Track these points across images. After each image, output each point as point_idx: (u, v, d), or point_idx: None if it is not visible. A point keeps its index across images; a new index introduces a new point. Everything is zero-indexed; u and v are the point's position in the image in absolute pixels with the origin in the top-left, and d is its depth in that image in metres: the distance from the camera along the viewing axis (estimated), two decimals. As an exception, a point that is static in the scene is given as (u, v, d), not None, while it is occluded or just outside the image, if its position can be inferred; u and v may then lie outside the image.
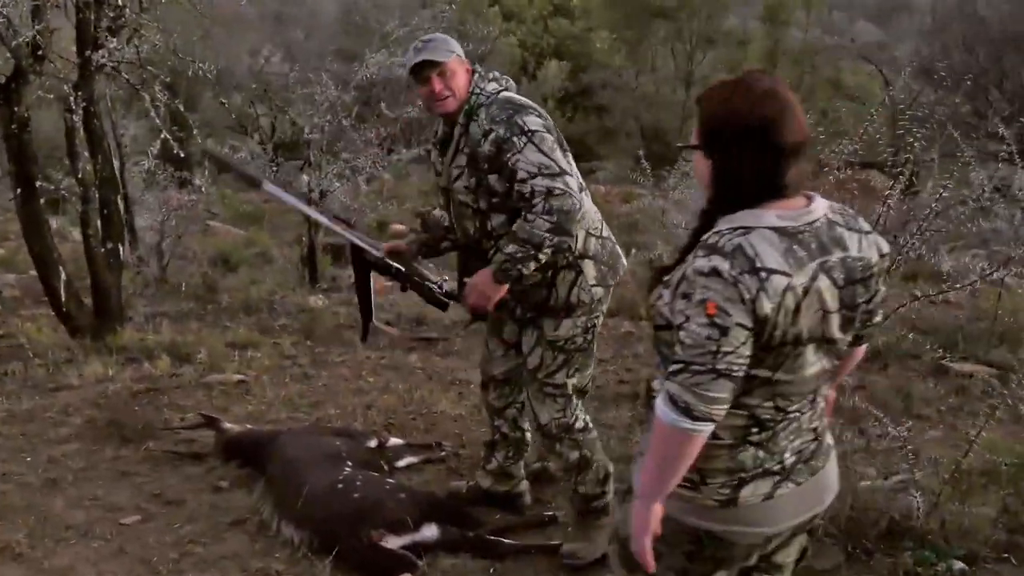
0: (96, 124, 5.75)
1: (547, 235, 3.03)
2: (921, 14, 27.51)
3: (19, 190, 5.48)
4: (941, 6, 20.99)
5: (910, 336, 5.10)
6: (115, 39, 5.49)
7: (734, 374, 1.83)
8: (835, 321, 1.93)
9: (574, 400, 3.39)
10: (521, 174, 3.05)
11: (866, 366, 5.53)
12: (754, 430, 1.98)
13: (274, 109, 17.91)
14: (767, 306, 1.81)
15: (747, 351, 1.83)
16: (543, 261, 3.12)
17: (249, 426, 4.51)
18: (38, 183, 5.50)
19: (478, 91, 3.23)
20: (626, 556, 2.10)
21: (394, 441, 4.44)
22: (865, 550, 3.45)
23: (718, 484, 2.00)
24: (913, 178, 3.60)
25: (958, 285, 3.60)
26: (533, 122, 3.10)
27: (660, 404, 1.88)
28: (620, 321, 6.86)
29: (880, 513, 3.52)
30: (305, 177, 7.61)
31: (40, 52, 5.38)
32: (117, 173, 6.16)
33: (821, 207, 1.94)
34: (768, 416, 1.97)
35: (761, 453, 2.00)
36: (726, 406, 1.86)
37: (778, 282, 1.82)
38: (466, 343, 6.31)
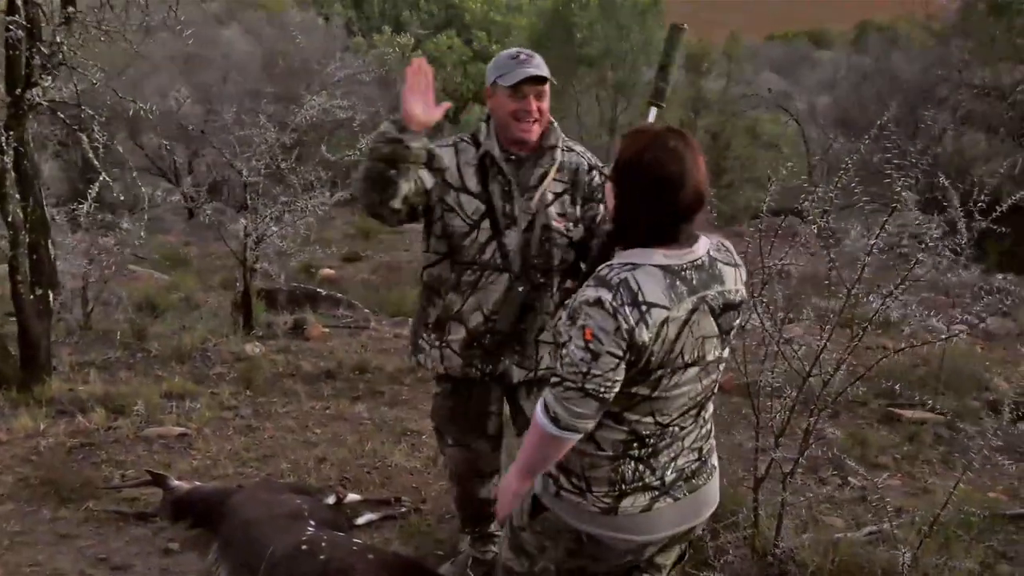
0: (26, 165, 5.48)
1: None
2: (822, 66, 28.55)
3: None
4: (856, 61, 21.67)
5: (874, 383, 5.10)
6: (50, 77, 5.26)
7: (601, 395, 2.07)
8: (713, 344, 2.19)
9: None
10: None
11: (818, 415, 5.53)
12: (635, 445, 2.20)
13: (189, 151, 17.65)
14: (645, 335, 2.05)
15: (617, 376, 2.07)
16: None
17: (197, 483, 4.29)
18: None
19: (554, 122, 3.14)
20: (513, 539, 2.43)
21: (352, 497, 4.26)
22: (850, 605, 3.40)
23: (601, 493, 2.23)
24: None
25: (942, 337, 3.61)
26: None
27: (538, 408, 2.15)
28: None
29: (862, 568, 3.47)
30: (243, 221, 7.38)
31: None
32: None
33: (703, 246, 2.18)
34: (648, 432, 2.19)
35: (641, 467, 2.22)
36: (591, 421, 2.11)
37: (658, 314, 2.06)
38: (412, 392, 6.15)
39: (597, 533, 2.26)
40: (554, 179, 3.12)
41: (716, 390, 2.30)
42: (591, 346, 2.04)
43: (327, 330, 7.83)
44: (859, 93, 17.10)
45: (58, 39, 5.05)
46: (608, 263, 2.14)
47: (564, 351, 2.09)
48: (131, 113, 5.52)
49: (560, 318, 2.16)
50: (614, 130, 18.25)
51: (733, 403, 6.01)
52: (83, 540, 3.97)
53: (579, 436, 2.13)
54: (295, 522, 3.63)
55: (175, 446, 5.00)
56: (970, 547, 3.63)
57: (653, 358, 2.08)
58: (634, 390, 2.12)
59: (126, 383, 6.10)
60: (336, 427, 5.43)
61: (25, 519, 4.13)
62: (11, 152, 5.17)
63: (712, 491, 2.37)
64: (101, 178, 5.30)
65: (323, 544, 3.42)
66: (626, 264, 2.11)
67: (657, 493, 2.24)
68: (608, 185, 2.22)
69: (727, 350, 2.26)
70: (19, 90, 5.33)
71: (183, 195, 8.22)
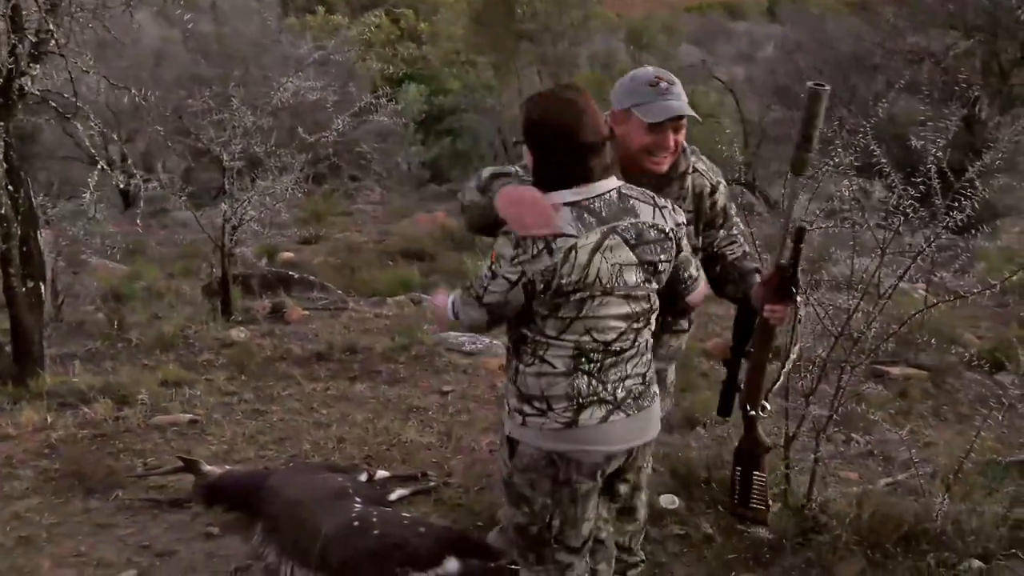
0: (13, 156, 5.38)
1: None
2: (738, 37, 29.05)
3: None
4: (779, 30, 22.08)
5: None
6: (38, 66, 5.16)
7: (493, 310, 2.46)
8: (634, 273, 2.45)
9: None
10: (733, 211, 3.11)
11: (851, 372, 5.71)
12: (583, 360, 2.48)
13: (121, 138, 17.27)
14: (549, 260, 2.35)
15: (511, 298, 2.41)
16: None
17: (228, 467, 4.29)
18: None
19: (686, 147, 2.92)
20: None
21: (381, 474, 4.33)
22: (884, 554, 3.55)
23: (561, 408, 2.48)
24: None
25: (975, 291, 3.73)
26: None
27: (449, 297, 2.61)
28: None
29: (892, 518, 3.63)
30: (224, 207, 7.31)
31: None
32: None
33: (612, 183, 2.45)
34: (591, 348, 2.47)
35: (594, 382, 2.49)
36: (480, 323, 2.52)
37: (563, 242, 2.35)
38: (409, 370, 6.19)
39: (563, 449, 2.51)
40: (682, 210, 2.76)
41: (653, 319, 2.57)
42: (493, 267, 2.41)
43: (307, 312, 7.81)
44: (793, 62, 17.39)
45: (50, 26, 4.94)
46: None
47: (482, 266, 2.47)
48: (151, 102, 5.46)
49: None
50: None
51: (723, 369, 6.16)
52: (121, 529, 3.97)
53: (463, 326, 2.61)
54: (342, 500, 3.66)
55: (188, 433, 5.00)
56: (991, 493, 3.80)
57: (564, 280, 2.37)
58: (561, 313, 2.43)
59: (115, 373, 6.04)
60: (342, 407, 5.46)
61: (57, 510, 4.11)
62: (1, 143, 5.07)
63: (655, 415, 2.64)
64: (99, 167, 5.21)
65: (374, 519, 3.47)
66: None
67: (611, 407, 2.51)
68: (524, 149, 2.49)
69: (656, 283, 2.53)
70: (1, 80, 5.21)
71: (157, 182, 7.96)
